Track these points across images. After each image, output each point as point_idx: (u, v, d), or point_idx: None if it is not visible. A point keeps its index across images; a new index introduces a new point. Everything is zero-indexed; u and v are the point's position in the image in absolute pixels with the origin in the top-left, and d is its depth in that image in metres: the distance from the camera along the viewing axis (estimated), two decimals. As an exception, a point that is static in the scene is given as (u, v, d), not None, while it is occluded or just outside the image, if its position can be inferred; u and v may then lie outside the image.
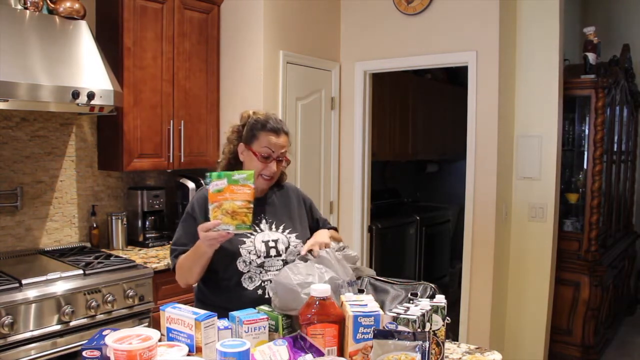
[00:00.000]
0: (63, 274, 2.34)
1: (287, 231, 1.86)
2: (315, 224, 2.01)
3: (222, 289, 1.77)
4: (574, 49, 4.20)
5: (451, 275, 5.39)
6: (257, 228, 1.82)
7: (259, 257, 1.77)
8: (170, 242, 3.14)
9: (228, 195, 1.52)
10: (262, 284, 1.77)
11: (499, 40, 3.17)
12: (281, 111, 3.31)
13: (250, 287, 1.75)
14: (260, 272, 1.77)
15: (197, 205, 1.82)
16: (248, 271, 1.76)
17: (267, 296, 1.76)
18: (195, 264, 1.72)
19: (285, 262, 1.79)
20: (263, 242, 1.79)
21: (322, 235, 1.83)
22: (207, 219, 1.71)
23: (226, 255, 1.74)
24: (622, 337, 4.43)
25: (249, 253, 1.76)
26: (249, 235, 1.79)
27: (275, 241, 1.81)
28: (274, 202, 1.92)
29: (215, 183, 1.53)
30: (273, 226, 1.86)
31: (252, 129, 1.82)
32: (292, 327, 1.52)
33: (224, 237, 1.58)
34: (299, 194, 2.02)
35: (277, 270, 1.76)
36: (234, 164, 1.87)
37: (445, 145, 5.64)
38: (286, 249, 1.82)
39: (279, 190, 1.96)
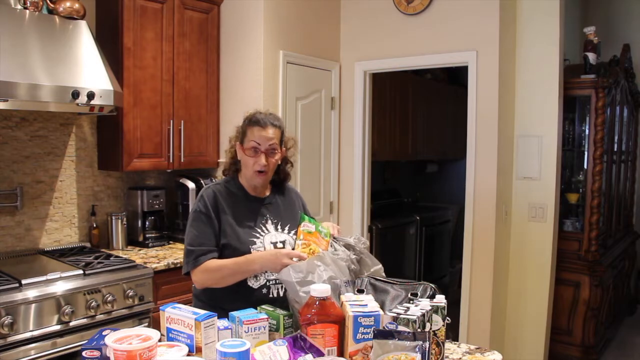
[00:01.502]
0: (63, 274, 2.34)
1: (293, 232, 1.88)
2: None
3: (227, 286, 1.76)
4: (574, 49, 4.20)
5: (451, 275, 5.39)
6: (264, 228, 1.84)
7: None
8: (171, 242, 3.21)
9: (315, 239, 1.75)
10: (267, 283, 1.78)
11: (499, 40, 3.17)
12: (281, 111, 3.31)
13: (255, 285, 1.77)
14: (266, 272, 1.78)
15: (210, 204, 1.80)
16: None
17: (270, 295, 1.77)
18: (241, 275, 1.73)
19: None
20: (272, 243, 1.82)
21: (330, 224, 1.89)
22: (219, 218, 1.77)
23: (237, 256, 1.75)
24: (622, 337, 4.42)
25: None
26: (258, 235, 1.80)
27: (283, 242, 1.84)
28: (278, 203, 1.94)
29: (306, 224, 1.79)
30: (279, 227, 1.88)
31: (242, 127, 1.85)
32: (293, 326, 1.53)
33: None
34: (299, 197, 2.05)
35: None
36: (237, 164, 1.89)
37: (445, 145, 5.64)
38: (293, 249, 1.83)
39: (281, 191, 1.98)
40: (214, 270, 1.74)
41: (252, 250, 1.77)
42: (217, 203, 1.80)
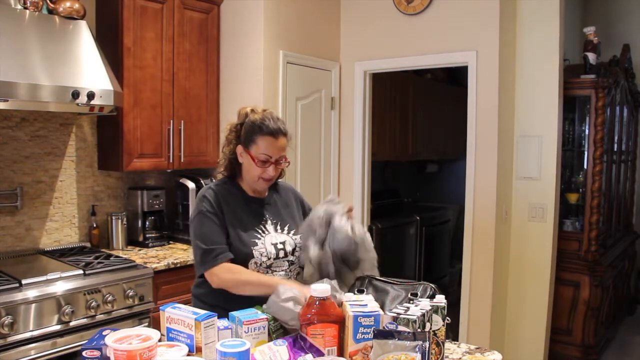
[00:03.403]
0: (63, 274, 2.34)
1: (292, 232, 1.88)
2: None
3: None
4: (574, 49, 4.20)
5: (451, 275, 5.39)
6: (264, 229, 1.83)
7: (269, 258, 1.78)
8: (171, 242, 3.21)
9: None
10: None
11: (499, 40, 3.17)
12: (281, 111, 3.31)
13: None
14: (267, 273, 1.77)
15: (215, 203, 1.77)
16: (258, 272, 1.76)
17: None
18: (264, 291, 1.62)
19: (292, 263, 1.83)
20: (272, 244, 1.80)
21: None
22: (223, 218, 1.75)
23: (239, 257, 1.75)
24: (622, 337, 4.43)
25: (261, 255, 1.77)
26: (259, 237, 1.80)
27: (283, 243, 1.83)
28: (276, 202, 1.93)
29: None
30: (278, 227, 1.87)
31: (250, 133, 1.77)
32: (282, 328, 1.52)
33: None
34: (296, 194, 2.04)
35: (282, 271, 1.80)
36: (235, 164, 1.85)
37: (445, 145, 5.64)
38: (293, 250, 1.84)
39: (277, 190, 1.96)
40: (244, 279, 1.69)
41: (253, 251, 1.76)
42: (220, 203, 1.78)
